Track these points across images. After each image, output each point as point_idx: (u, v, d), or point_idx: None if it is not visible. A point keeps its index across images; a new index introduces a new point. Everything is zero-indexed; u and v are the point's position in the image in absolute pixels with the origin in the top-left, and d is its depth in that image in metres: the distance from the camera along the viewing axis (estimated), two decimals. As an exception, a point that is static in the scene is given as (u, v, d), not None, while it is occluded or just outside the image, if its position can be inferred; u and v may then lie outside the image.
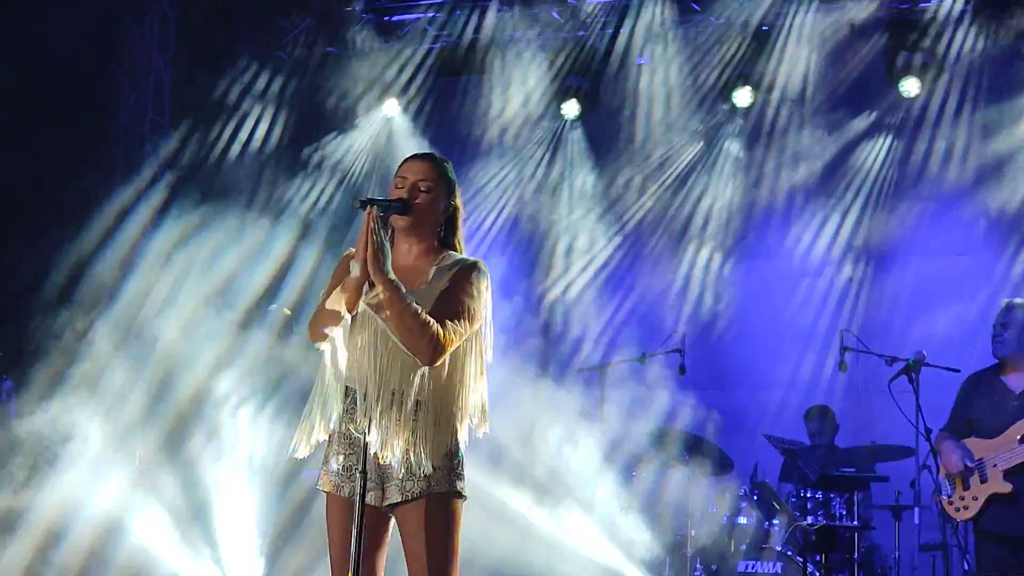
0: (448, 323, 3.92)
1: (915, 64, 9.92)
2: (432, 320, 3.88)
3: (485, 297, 4.07)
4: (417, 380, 3.94)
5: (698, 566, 8.11)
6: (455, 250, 4.17)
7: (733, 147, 10.83)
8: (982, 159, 9.90)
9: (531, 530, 8.31)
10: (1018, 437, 6.69)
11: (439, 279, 4.04)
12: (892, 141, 10.40)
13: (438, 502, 3.95)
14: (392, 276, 3.86)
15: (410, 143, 11.11)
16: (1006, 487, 6.69)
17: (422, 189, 4.07)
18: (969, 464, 6.79)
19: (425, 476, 3.93)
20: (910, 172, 10.27)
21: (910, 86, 10.02)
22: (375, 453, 3.90)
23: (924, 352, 7.70)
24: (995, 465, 6.72)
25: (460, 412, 4.03)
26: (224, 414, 8.67)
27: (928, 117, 10.09)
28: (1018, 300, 7.01)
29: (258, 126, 11.03)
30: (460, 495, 4.01)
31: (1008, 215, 9.87)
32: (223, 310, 8.95)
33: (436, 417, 3.97)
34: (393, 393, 3.93)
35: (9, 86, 9.70)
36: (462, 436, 4.04)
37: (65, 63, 9.83)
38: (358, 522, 3.78)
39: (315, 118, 11.31)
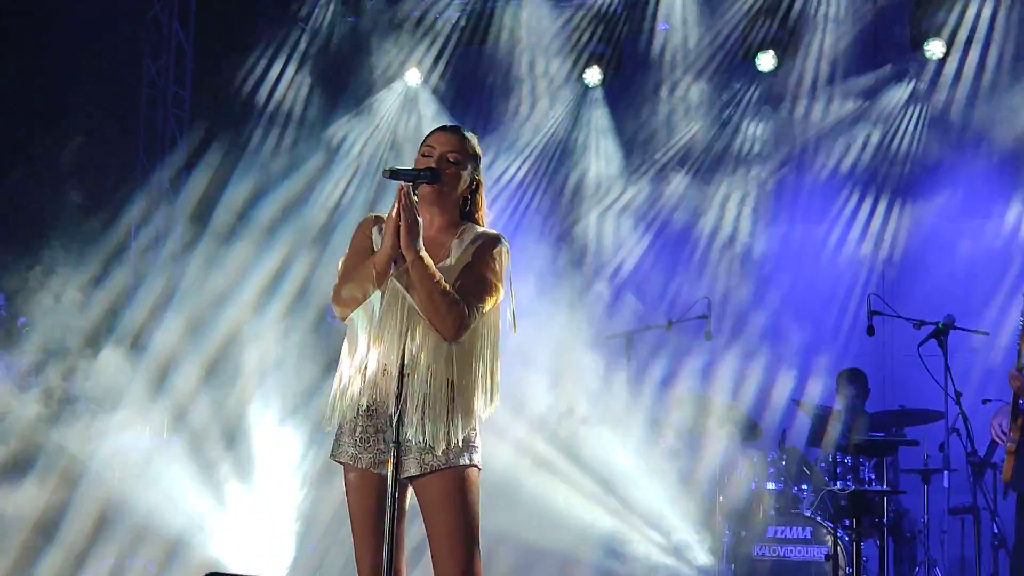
0: (472, 299, 3.94)
1: (941, 25, 9.83)
2: (458, 297, 3.90)
3: (506, 271, 4.08)
4: (441, 354, 3.94)
5: (727, 531, 8.13)
6: (477, 223, 4.17)
7: (755, 111, 10.77)
8: (1010, 122, 9.80)
9: (556, 498, 8.33)
10: None
11: (462, 253, 4.04)
12: (919, 104, 10.31)
13: (457, 474, 3.96)
14: (423, 252, 3.87)
15: (432, 112, 11.09)
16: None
17: (450, 160, 4.07)
18: (1005, 430, 6.78)
19: (443, 449, 3.93)
20: (936, 136, 10.19)
21: (935, 48, 9.95)
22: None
23: (953, 316, 7.68)
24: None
25: (479, 386, 4.02)
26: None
27: (961, 80, 9.98)
28: None
29: (275, 93, 11.04)
30: (477, 467, 4.02)
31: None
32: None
33: (458, 391, 3.97)
34: (417, 367, 3.92)
35: (29, 62, 9.72)
36: (479, 409, 4.04)
37: (87, 36, 9.85)
38: (391, 496, 3.80)
39: (337, 88, 11.31)
